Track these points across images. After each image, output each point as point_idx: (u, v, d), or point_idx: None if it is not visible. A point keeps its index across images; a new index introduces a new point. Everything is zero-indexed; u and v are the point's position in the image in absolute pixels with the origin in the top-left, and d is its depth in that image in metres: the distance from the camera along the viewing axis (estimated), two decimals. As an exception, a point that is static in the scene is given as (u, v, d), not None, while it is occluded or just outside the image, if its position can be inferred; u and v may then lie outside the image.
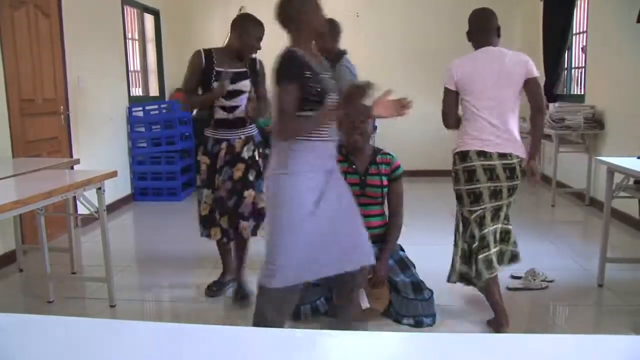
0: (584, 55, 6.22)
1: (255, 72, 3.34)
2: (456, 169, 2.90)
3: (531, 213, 5.95)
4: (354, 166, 3.17)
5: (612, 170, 3.50)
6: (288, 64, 2.32)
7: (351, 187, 3.14)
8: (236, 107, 3.26)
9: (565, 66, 6.75)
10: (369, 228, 3.16)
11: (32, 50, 4.50)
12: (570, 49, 6.65)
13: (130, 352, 1.09)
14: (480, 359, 1.07)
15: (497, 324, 2.96)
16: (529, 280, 3.58)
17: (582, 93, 6.18)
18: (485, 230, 2.88)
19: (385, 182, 3.16)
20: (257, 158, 3.38)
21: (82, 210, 4.02)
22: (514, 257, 3.05)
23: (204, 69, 3.21)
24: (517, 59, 2.87)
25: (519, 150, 2.87)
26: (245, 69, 3.28)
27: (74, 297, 3.59)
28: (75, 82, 5.12)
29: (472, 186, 2.83)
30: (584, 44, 6.19)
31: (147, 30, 7.19)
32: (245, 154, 3.33)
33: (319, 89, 2.34)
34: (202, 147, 3.36)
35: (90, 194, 3.26)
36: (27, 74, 4.45)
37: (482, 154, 2.80)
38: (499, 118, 2.82)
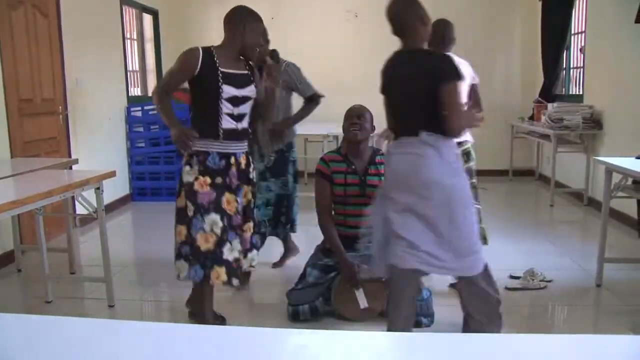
0: (582, 55, 6.23)
1: (254, 75, 2.85)
2: None
3: (530, 213, 5.96)
4: (353, 167, 3.18)
5: (610, 170, 3.50)
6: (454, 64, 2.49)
7: (351, 187, 3.15)
8: (244, 115, 2.78)
9: (564, 66, 6.76)
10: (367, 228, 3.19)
11: (30, 50, 4.50)
12: (568, 49, 6.66)
13: (128, 352, 1.09)
14: (478, 359, 1.07)
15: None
16: (528, 280, 3.58)
17: (581, 93, 6.18)
18: None
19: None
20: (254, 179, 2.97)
21: (80, 210, 4.02)
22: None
23: (200, 70, 2.68)
24: (465, 65, 3.26)
25: (469, 137, 3.42)
26: (247, 72, 2.81)
27: (73, 297, 3.59)
28: (73, 82, 5.12)
29: None
30: (583, 44, 6.20)
31: (146, 30, 7.19)
32: (251, 174, 2.92)
33: None
34: (195, 166, 2.71)
35: (89, 194, 3.25)
36: (26, 74, 4.44)
37: None
38: None
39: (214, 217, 2.66)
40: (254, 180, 2.96)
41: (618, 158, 3.58)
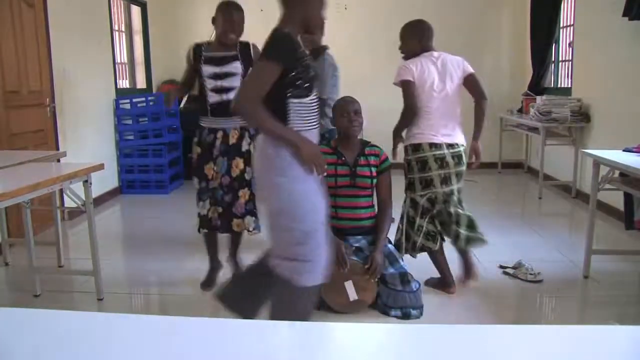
0: (571, 48, 6.26)
1: (247, 57, 3.28)
2: (409, 159, 3.27)
3: (518, 205, 6.00)
4: (343, 158, 3.18)
5: (597, 162, 3.53)
6: (281, 42, 2.18)
7: (341, 178, 3.16)
8: (230, 89, 3.22)
9: (553, 59, 6.79)
10: (358, 220, 3.20)
11: (16, 42, 4.44)
12: (557, 42, 6.69)
13: (118, 345, 1.09)
14: (468, 350, 1.08)
15: (444, 284, 3.36)
16: (520, 272, 3.62)
17: (569, 86, 6.22)
18: (438, 207, 3.25)
19: (374, 173, 3.18)
20: (252, 152, 3.30)
21: (68, 203, 3.99)
22: (480, 242, 3.30)
23: (194, 60, 3.27)
24: (455, 60, 3.29)
25: (461, 139, 3.31)
26: (234, 53, 3.26)
27: (61, 291, 3.57)
28: (61, 74, 5.07)
29: (425, 174, 3.21)
30: (571, 38, 6.23)
31: (134, 21, 7.12)
32: (244, 147, 3.30)
33: (312, 74, 2.26)
34: (195, 138, 3.35)
35: (77, 187, 3.23)
36: (12, 65, 4.39)
37: (433, 146, 3.18)
38: (446, 113, 3.24)
39: (195, 180, 3.34)
40: (247, 153, 3.29)
41: (605, 151, 3.61)
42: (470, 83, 3.29)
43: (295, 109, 2.22)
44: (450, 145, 3.22)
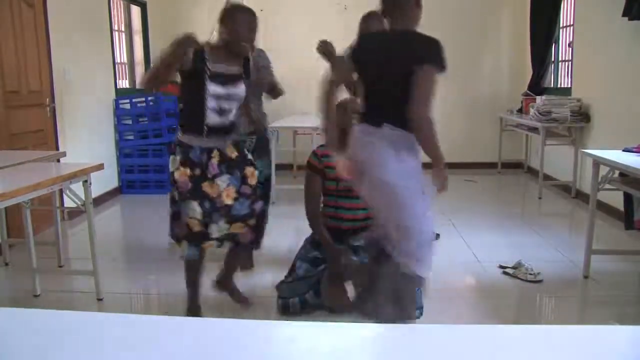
0: (570, 48, 6.26)
1: (248, 71, 2.96)
2: None
3: (518, 205, 6.00)
4: (342, 159, 3.17)
5: (597, 162, 3.53)
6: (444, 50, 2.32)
7: (343, 182, 3.15)
8: (230, 110, 2.88)
9: (553, 59, 6.79)
10: (355, 220, 3.20)
11: (16, 41, 4.44)
12: (557, 42, 6.69)
13: (117, 345, 1.09)
14: (467, 350, 1.08)
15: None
16: (518, 272, 3.61)
17: (569, 86, 6.22)
18: None
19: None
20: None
21: (68, 203, 3.99)
22: None
23: (190, 64, 2.73)
24: None
25: None
26: (240, 70, 2.89)
27: (61, 291, 3.57)
28: (60, 74, 5.07)
29: None
30: (571, 37, 6.23)
31: (134, 21, 7.12)
32: (249, 155, 3.07)
33: None
34: (177, 157, 2.85)
35: (77, 187, 3.23)
36: (11, 65, 4.39)
37: None
38: None
39: (193, 203, 2.81)
40: (251, 160, 3.04)
41: (605, 151, 3.60)
42: None
43: None
44: None
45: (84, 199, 3.25)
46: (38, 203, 4.15)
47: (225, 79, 2.82)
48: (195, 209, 2.81)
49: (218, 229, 2.87)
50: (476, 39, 7.41)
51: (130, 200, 6.13)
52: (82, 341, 1.10)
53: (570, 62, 6.29)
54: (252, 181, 2.98)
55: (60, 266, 3.94)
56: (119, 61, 6.61)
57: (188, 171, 2.83)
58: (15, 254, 4.06)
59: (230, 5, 2.90)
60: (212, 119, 2.83)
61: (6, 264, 3.99)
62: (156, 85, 3.16)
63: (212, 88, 2.78)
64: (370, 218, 3.23)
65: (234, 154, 2.96)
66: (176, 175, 2.83)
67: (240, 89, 2.89)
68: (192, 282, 3.06)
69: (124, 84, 6.83)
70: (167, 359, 1.04)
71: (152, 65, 2.93)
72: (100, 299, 3.34)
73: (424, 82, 2.28)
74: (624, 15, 4.56)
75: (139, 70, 7.23)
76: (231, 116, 2.90)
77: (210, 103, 2.80)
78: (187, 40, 2.71)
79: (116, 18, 6.55)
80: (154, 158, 6.26)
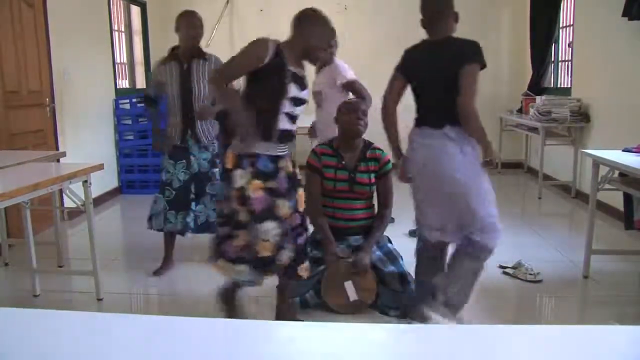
0: (570, 48, 6.27)
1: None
2: None
3: (518, 205, 6.00)
4: (343, 162, 3.18)
5: (597, 162, 3.53)
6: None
7: (340, 183, 3.15)
8: (298, 117, 2.62)
9: (552, 59, 6.79)
10: (353, 220, 3.20)
11: (15, 41, 4.44)
12: (557, 42, 6.69)
13: (117, 345, 1.09)
14: (467, 350, 1.08)
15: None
16: (518, 272, 3.61)
17: (569, 86, 6.22)
18: None
19: (372, 180, 3.18)
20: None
21: (68, 203, 3.99)
22: None
23: (269, 64, 2.44)
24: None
25: None
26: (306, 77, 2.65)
27: (61, 291, 3.57)
28: (60, 74, 5.07)
29: None
30: (571, 37, 6.23)
31: (134, 21, 7.12)
32: (298, 176, 2.71)
33: None
34: (247, 170, 2.48)
35: (77, 187, 3.23)
36: (11, 65, 4.39)
37: None
38: None
39: (271, 224, 2.47)
40: (300, 180, 2.73)
41: (605, 151, 3.61)
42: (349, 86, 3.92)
43: None
44: None
45: (83, 199, 3.25)
46: (38, 203, 4.15)
47: (303, 83, 2.57)
48: (271, 231, 2.46)
49: (289, 256, 2.55)
50: (476, 38, 7.35)
51: (130, 200, 6.12)
52: (82, 341, 1.10)
53: (570, 62, 6.30)
54: (302, 207, 2.68)
55: (60, 266, 3.94)
56: (118, 61, 6.61)
57: (261, 184, 2.49)
58: (15, 254, 4.06)
59: (312, 10, 2.67)
60: (284, 123, 2.52)
61: (6, 264, 3.99)
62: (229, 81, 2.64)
63: (293, 89, 2.49)
64: (372, 217, 3.24)
65: (291, 167, 2.65)
66: (250, 191, 2.46)
67: (307, 95, 2.65)
68: (231, 309, 2.76)
69: (124, 84, 6.84)
70: (167, 359, 1.04)
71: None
72: (100, 299, 3.34)
73: (470, 78, 2.57)
74: (624, 15, 4.56)
75: (139, 70, 7.23)
76: (297, 122, 2.63)
77: (288, 107, 2.51)
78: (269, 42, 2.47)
79: (116, 18, 6.55)
80: (154, 158, 6.24)
